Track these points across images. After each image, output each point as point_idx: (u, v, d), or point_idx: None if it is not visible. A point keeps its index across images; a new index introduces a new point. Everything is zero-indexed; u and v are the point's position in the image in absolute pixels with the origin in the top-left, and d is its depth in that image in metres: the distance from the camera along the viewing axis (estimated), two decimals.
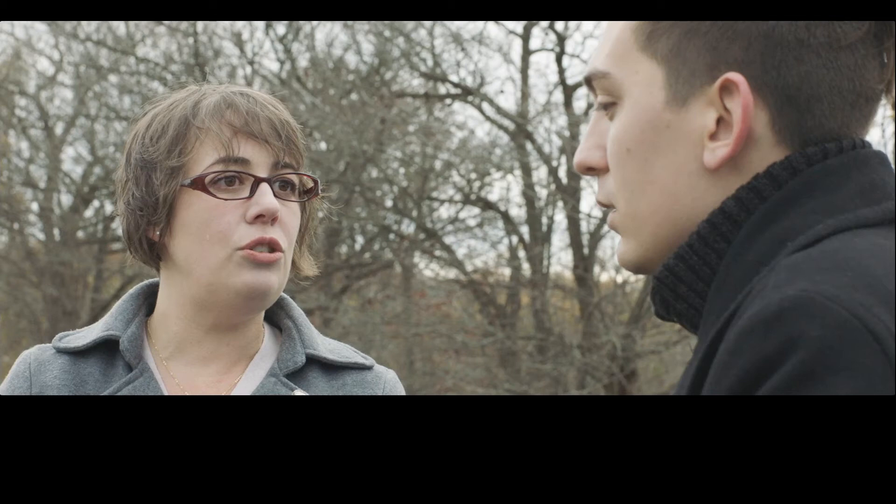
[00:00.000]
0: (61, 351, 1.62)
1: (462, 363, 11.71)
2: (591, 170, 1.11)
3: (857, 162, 1.00)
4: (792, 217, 0.97)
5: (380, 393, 1.65)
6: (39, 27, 14.25)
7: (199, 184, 1.55)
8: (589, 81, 1.09)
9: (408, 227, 12.65)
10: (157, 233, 1.59)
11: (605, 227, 11.12)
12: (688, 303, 1.03)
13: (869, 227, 0.96)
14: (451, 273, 12.61)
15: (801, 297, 0.86)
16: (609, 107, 1.08)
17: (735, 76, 0.99)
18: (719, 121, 1.01)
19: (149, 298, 1.69)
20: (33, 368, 1.60)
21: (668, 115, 1.03)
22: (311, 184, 1.64)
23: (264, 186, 1.56)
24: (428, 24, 11.92)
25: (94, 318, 14.03)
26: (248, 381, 1.62)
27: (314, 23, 12.64)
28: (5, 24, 13.95)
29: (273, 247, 1.55)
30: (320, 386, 1.63)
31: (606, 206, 1.11)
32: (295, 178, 1.61)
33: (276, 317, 1.70)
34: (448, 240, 12.68)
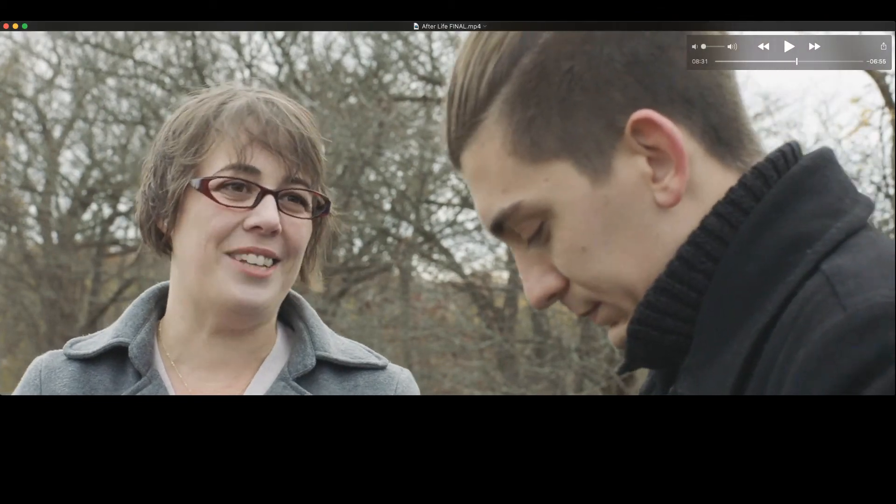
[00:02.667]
0: (72, 358, 1.62)
1: (460, 366, 11.70)
2: (552, 297, 1.06)
3: (823, 159, 1.00)
4: (793, 222, 0.97)
5: (391, 393, 1.65)
6: None
7: (203, 186, 1.55)
8: (500, 226, 1.04)
9: (406, 231, 12.65)
10: (165, 225, 1.60)
11: None
12: (677, 333, 1.01)
13: (864, 227, 0.96)
14: (449, 276, 12.61)
15: (888, 304, 0.86)
16: (539, 232, 1.03)
17: (638, 115, 0.98)
18: (651, 161, 0.99)
19: (160, 301, 1.69)
20: (43, 376, 1.61)
21: (602, 191, 1.00)
22: (324, 201, 1.62)
23: (268, 199, 1.55)
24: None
25: (91, 321, 14.04)
26: (257, 386, 1.62)
27: None
28: None
29: (267, 257, 1.55)
30: (332, 388, 1.62)
31: (592, 309, 1.06)
32: (307, 194, 1.59)
33: (288, 317, 1.70)
34: (446, 243, 12.68)
